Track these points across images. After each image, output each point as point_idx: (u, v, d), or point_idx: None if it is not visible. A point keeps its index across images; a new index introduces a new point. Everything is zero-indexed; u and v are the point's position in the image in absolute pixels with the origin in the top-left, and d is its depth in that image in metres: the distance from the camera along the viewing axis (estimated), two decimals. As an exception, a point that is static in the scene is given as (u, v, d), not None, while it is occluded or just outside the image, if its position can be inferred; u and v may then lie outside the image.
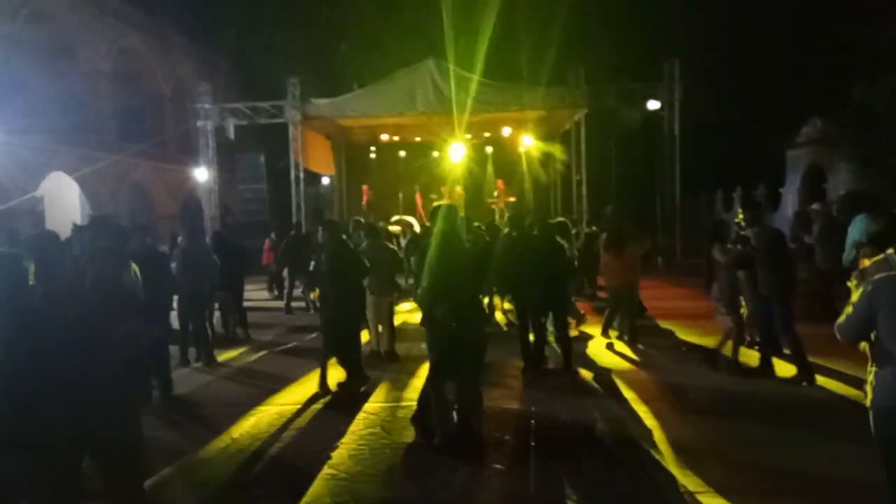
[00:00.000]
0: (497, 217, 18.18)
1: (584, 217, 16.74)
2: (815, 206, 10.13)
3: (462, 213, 19.12)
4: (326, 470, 4.58)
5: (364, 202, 20.93)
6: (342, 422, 5.57)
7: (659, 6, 24.25)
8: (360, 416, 5.75)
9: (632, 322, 8.40)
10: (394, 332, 7.91)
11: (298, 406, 6.11)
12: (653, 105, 17.86)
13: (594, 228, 12.24)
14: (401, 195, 21.53)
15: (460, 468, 4.52)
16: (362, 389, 6.41)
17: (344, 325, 6.48)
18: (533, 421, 5.49)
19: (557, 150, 20.87)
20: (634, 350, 7.96)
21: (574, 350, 7.21)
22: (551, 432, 5.23)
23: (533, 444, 5.00)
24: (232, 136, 27.12)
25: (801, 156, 21.89)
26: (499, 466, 4.57)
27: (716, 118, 18.42)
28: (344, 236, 7.38)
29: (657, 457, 4.62)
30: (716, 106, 17.27)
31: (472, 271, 5.08)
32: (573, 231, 12.76)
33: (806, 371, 6.17)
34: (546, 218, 10.21)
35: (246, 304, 10.06)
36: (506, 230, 8.56)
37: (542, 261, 6.86)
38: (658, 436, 5.01)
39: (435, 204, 5.93)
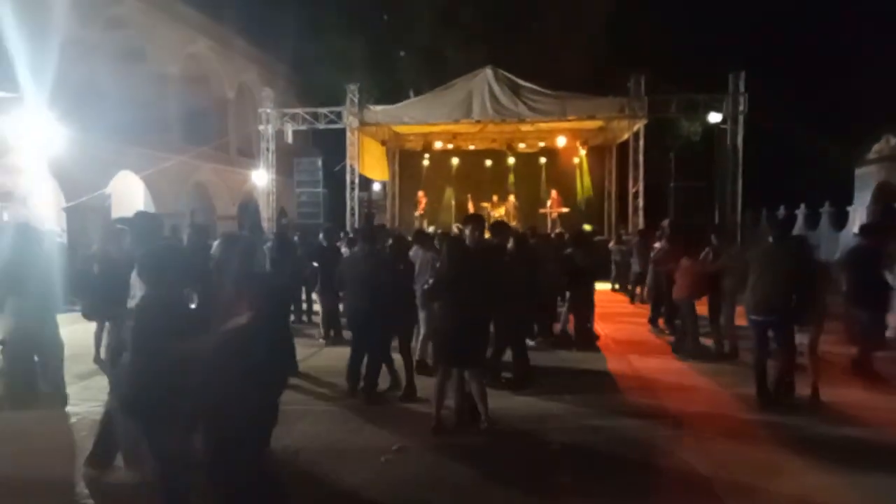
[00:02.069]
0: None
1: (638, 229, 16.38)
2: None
3: (514, 223, 18.77)
4: (382, 469, 4.64)
5: (420, 209, 21.01)
6: (401, 423, 5.65)
7: (724, 16, 23.74)
8: (418, 417, 5.80)
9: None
10: None
11: (354, 406, 6.17)
12: (714, 117, 17.43)
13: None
14: (453, 202, 21.56)
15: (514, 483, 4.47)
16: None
17: None
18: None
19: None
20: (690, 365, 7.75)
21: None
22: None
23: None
24: (290, 140, 27.82)
25: (870, 173, 20.94)
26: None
27: (781, 133, 17.83)
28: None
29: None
30: (781, 120, 16.73)
31: (473, 276, 5.37)
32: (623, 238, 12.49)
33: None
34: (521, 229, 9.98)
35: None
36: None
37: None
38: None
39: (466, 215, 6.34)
